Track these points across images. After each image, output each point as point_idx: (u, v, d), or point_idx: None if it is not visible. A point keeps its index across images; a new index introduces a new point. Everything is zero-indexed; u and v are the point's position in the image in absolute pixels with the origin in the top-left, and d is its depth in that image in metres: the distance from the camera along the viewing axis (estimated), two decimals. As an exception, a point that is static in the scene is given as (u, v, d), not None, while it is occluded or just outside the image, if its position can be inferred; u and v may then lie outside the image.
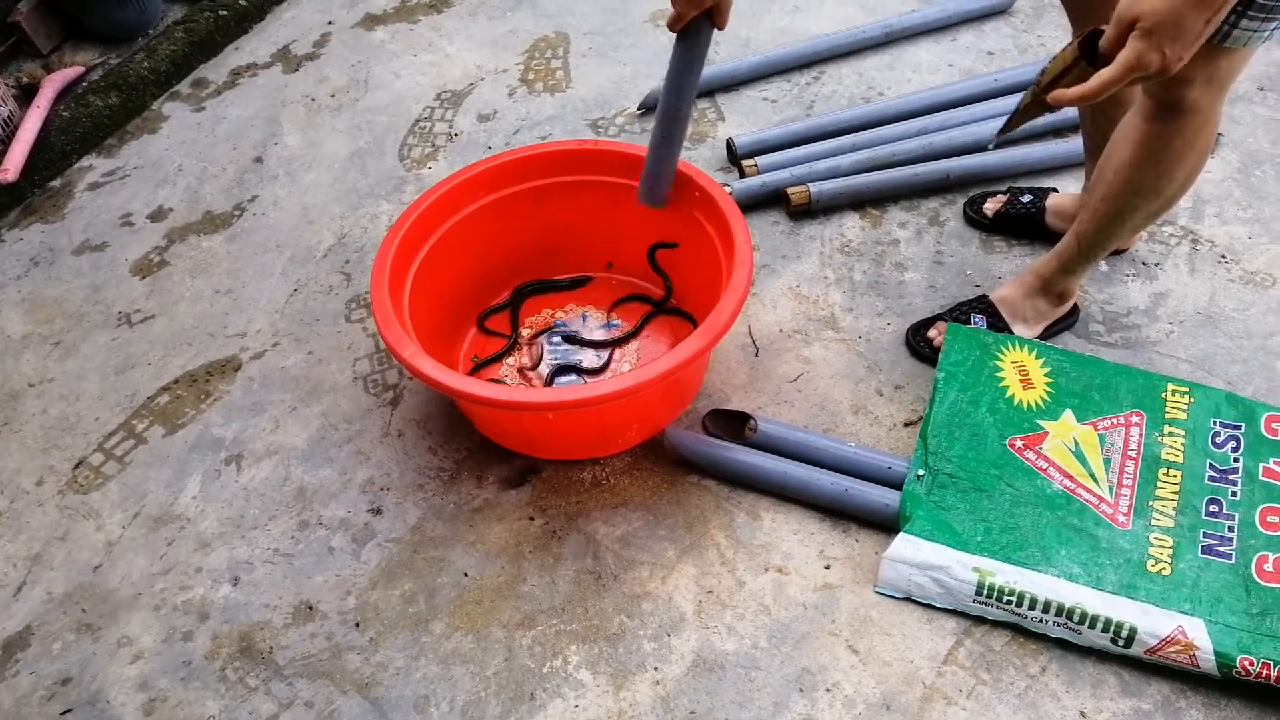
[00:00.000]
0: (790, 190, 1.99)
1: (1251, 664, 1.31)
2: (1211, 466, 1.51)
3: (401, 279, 1.63)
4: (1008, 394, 1.60)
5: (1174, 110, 1.33)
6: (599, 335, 1.83)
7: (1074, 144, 2.05)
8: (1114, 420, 1.57)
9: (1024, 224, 1.92)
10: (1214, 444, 1.53)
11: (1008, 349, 1.65)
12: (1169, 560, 1.41)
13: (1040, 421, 1.57)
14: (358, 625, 1.50)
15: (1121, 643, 1.36)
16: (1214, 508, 1.47)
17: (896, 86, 2.30)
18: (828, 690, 1.38)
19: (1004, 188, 1.99)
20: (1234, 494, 1.48)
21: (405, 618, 1.50)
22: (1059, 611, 1.38)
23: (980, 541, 1.45)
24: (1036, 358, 1.64)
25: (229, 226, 2.16)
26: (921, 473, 1.52)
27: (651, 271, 1.86)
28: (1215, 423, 1.55)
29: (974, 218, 1.97)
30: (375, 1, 2.75)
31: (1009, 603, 1.40)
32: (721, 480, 1.62)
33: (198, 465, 1.73)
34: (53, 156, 2.32)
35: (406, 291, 1.63)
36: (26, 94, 2.45)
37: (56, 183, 2.31)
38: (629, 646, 1.45)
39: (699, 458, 1.61)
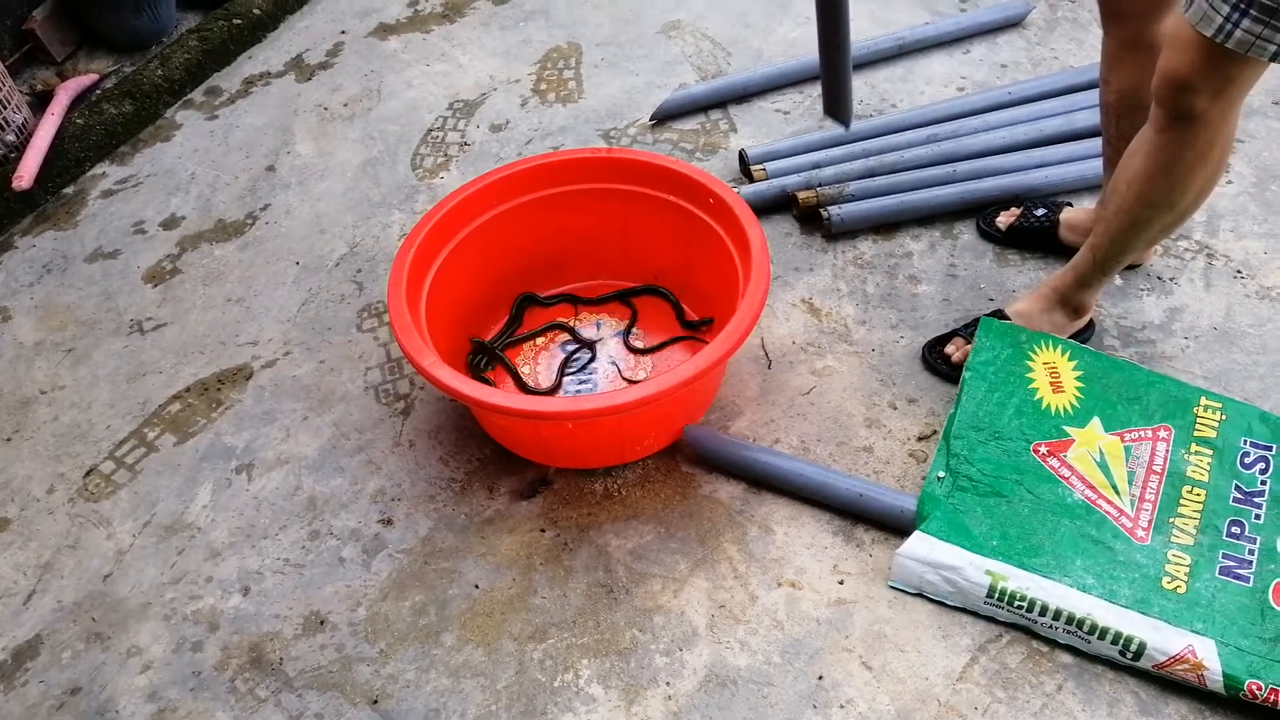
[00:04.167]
0: (799, 194, 1.99)
1: (1260, 688, 1.29)
2: (1237, 488, 1.49)
3: (418, 288, 1.63)
4: (1036, 396, 1.59)
5: (1184, 121, 1.32)
6: (613, 344, 1.84)
7: (1090, 166, 2.01)
8: (1141, 433, 1.55)
9: (1038, 238, 1.91)
10: (1242, 464, 1.51)
11: (1040, 348, 1.64)
12: (1185, 578, 1.40)
13: (1067, 428, 1.56)
14: (368, 637, 1.49)
15: (1130, 655, 1.35)
16: (1236, 529, 1.45)
17: (909, 99, 2.29)
18: (841, 707, 1.37)
19: (1018, 201, 1.98)
20: (1258, 517, 1.46)
21: (416, 629, 1.49)
22: (1069, 620, 1.37)
23: (995, 546, 1.44)
24: (1069, 359, 1.63)
25: (241, 235, 2.16)
26: (942, 474, 1.52)
27: (665, 277, 1.88)
28: (1246, 442, 1.53)
29: (987, 231, 1.96)
30: (388, 11, 2.76)
31: (1020, 608, 1.39)
32: (736, 479, 1.61)
33: (208, 474, 1.72)
34: (66, 164, 2.32)
35: (423, 300, 1.63)
36: (41, 101, 2.46)
37: (70, 190, 2.32)
38: (640, 661, 1.44)
39: (716, 457, 1.61)
